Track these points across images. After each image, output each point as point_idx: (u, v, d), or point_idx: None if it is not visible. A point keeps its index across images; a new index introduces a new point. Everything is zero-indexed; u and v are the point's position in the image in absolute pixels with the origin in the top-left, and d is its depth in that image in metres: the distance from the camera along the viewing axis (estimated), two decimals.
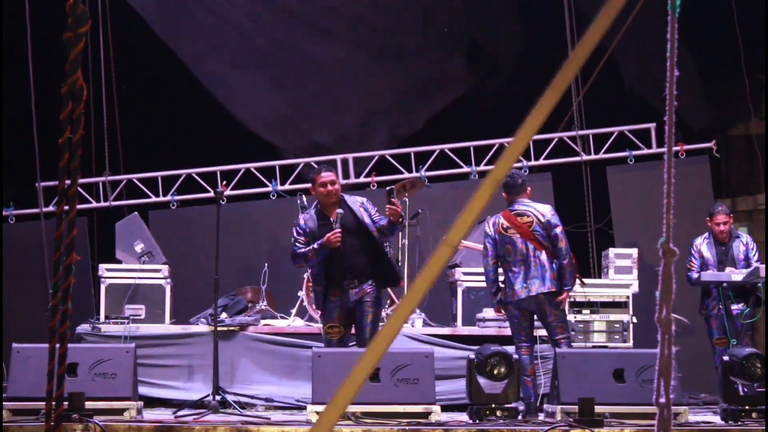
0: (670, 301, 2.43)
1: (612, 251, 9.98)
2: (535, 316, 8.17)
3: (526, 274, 8.05)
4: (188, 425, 7.20)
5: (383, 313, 8.36)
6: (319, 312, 8.12)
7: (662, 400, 2.58)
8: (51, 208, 11.14)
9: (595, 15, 2.27)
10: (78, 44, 2.47)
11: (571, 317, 9.36)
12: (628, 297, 9.47)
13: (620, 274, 9.79)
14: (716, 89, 12.90)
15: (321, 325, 9.19)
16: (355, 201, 7.85)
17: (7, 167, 11.20)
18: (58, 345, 2.81)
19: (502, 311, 8.26)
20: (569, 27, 11.59)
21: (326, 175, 7.75)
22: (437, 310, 10.13)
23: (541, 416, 7.90)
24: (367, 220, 7.74)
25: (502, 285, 8.17)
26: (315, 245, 7.59)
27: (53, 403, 2.99)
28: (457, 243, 2.32)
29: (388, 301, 9.76)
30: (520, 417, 7.59)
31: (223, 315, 9.48)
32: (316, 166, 11.95)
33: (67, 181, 2.58)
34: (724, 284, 9.24)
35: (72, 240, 2.66)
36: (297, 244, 7.75)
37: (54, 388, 2.90)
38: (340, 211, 7.64)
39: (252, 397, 9.01)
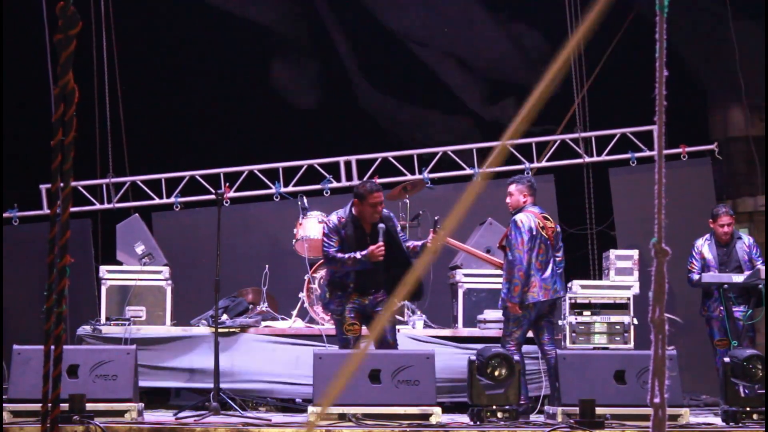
0: (663, 302, 2.43)
1: (613, 253, 9.96)
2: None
3: (554, 276, 8.16)
4: (189, 427, 7.20)
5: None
6: (330, 312, 8.08)
7: (657, 400, 2.58)
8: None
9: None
10: (69, 46, 2.47)
11: (572, 319, 9.35)
12: (628, 299, 9.45)
13: (621, 275, 9.78)
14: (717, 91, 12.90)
15: (329, 324, 9.24)
16: (389, 217, 7.97)
17: (11, 169, 11.22)
18: (53, 347, 2.80)
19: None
20: (571, 30, 11.59)
21: (378, 196, 7.82)
22: (438, 312, 10.12)
23: (542, 418, 7.89)
24: (392, 238, 7.86)
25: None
26: (357, 255, 7.65)
27: (49, 405, 2.98)
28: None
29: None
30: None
31: (224, 316, 9.48)
32: (320, 168, 12.00)
33: (61, 183, 2.58)
34: (725, 286, 9.23)
35: (66, 242, 2.67)
36: (330, 244, 7.76)
37: (50, 390, 2.90)
38: (381, 225, 7.75)
39: (253, 398, 9.01)
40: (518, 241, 8.09)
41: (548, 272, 8.15)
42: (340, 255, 7.71)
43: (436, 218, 8.13)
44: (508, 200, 8.35)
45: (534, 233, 8.12)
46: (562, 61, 2.33)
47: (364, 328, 7.87)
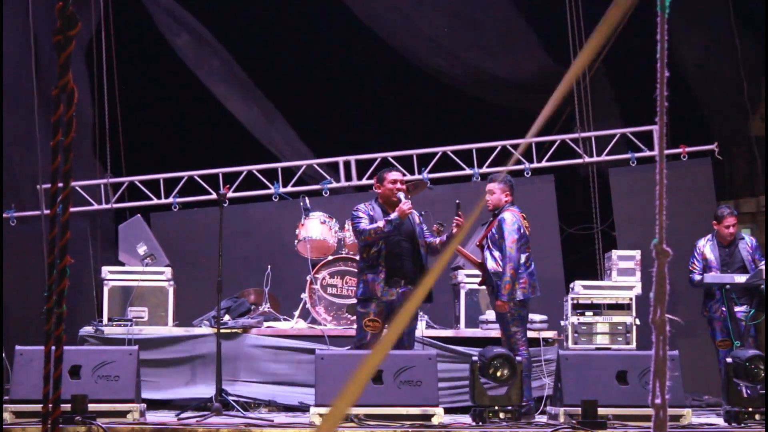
0: (664, 302, 2.42)
1: (615, 253, 9.96)
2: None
3: (534, 274, 8.17)
4: (191, 427, 7.20)
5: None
6: (361, 301, 8.02)
7: (658, 401, 2.57)
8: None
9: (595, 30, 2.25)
10: (68, 47, 2.47)
11: (574, 319, 9.35)
12: (631, 299, 9.45)
13: (623, 276, 9.78)
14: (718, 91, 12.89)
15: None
16: (414, 212, 8.13)
17: (8, 169, 11.20)
18: (53, 348, 2.80)
19: (509, 306, 8.11)
20: (571, 32, 11.56)
21: (397, 174, 8.16)
22: (440, 313, 10.12)
23: (544, 418, 7.88)
24: (418, 230, 8.02)
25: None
26: (388, 217, 7.84)
27: (50, 406, 2.98)
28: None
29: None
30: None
31: (226, 317, 9.48)
32: (318, 168, 12.00)
33: (60, 184, 2.58)
34: (727, 286, 9.22)
35: (66, 242, 2.66)
36: (360, 222, 7.93)
37: (50, 391, 2.90)
38: (400, 194, 7.95)
39: (255, 399, 9.01)
40: (509, 239, 8.09)
41: (532, 270, 8.19)
42: (371, 225, 7.88)
43: (457, 201, 8.15)
44: (488, 198, 8.32)
45: (522, 231, 8.15)
46: (576, 70, 2.31)
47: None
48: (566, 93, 2.37)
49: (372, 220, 7.92)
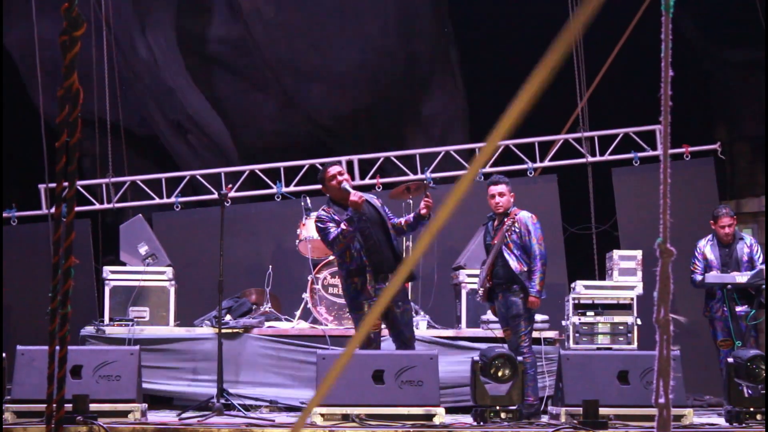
0: (668, 302, 2.43)
1: (616, 253, 9.96)
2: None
3: None
4: (192, 427, 7.20)
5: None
6: (358, 306, 7.76)
7: (661, 400, 2.57)
8: (53, 210, 11.09)
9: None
10: (74, 47, 2.47)
11: (575, 319, 9.35)
12: (632, 299, 9.45)
13: (624, 275, 9.77)
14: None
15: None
16: (372, 197, 7.93)
17: (9, 169, 11.22)
18: (58, 348, 2.80)
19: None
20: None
21: (335, 168, 7.86)
22: (441, 313, 10.12)
23: (546, 418, 7.89)
24: (383, 215, 7.80)
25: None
26: (345, 216, 7.55)
27: (54, 406, 2.98)
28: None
29: None
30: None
31: (228, 317, 9.49)
32: (320, 167, 11.99)
33: (65, 184, 2.58)
34: (728, 286, 9.23)
35: (71, 243, 2.66)
36: (329, 230, 7.63)
37: (54, 391, 2.90)
38: (344, 185, 7.68)
39: (256, 399, 9.00)
40: (538, 237, 8.12)
41: None
42: (336, 230, 7.56)
43: (430, 184, 8.02)
44: (499, 200, 8.23)
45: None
46: (554, 57, 2.30)
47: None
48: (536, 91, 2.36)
49: (338, 225, 7.63)
